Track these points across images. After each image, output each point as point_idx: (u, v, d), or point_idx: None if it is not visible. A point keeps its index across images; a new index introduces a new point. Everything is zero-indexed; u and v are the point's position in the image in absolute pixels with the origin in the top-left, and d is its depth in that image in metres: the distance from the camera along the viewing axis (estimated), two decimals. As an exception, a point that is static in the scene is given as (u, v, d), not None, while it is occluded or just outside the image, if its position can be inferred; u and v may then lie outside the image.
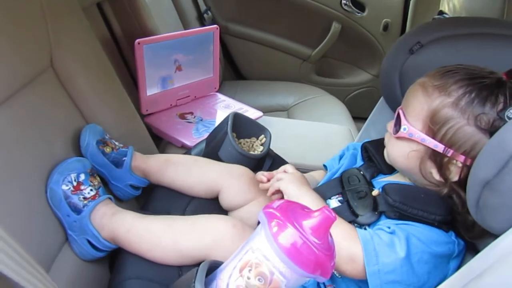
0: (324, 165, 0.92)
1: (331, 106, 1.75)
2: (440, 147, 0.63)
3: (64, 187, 0.70)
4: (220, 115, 1.22)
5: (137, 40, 1.05)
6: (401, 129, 0.66)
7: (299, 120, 1.50)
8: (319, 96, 1.81)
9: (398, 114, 0.68)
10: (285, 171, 0.78)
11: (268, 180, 0.78)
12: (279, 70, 1.97)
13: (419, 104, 0.65)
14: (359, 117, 1.90)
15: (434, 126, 0.63)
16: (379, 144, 0.79)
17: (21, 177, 0.68)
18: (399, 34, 1.84)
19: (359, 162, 0.83)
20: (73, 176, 0.71)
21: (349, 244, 0.62)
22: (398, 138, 0.68)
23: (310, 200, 0.70)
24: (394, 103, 0.88)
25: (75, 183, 0.71)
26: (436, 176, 0.65)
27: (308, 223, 0.47)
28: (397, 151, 0.70)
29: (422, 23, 0.87)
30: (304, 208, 0.50)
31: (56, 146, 0.77)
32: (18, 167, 0.68)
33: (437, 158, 0.64)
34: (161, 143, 1.15)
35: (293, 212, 0.49)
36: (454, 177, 0.64)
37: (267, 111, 1.71)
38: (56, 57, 0.81)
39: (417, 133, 0.65)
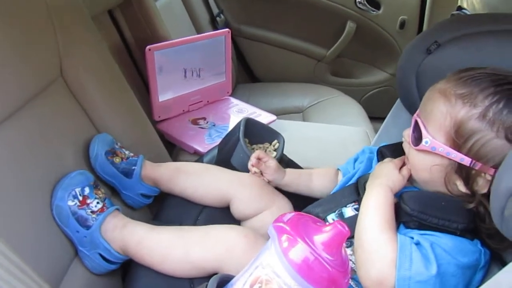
0: (339, 169, 0.89)
1: (347, 107, 1.72)
2: (466, 161, 0.58)
3: (70, 203, 0.69)
4: (233, 120, 1.21)
5: (148, 47, 1.05)
6: (423, 142, 0.62)
7: (314, 123, 1.48)
8: (334, 97, 1.77)
9: (417, 124, 0.64)
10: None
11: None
12: (293, 72, 1.94)
13: (441, 115, 0.60)
14: (375, 117, 1.86)
15: (459, 139, 0.59)
16: (395, 149, 0.75)
17: (30, 191, 0.67)
18: (416, 32, 1.79)
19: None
20: (77, 190, 0.70)
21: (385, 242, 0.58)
22: (419, 150, 0.64)
23: None
24: (411, 105, 0.84)
25: (80, 198, 0.70)
26: (462, 188, 0.61)
27: (320, 238, 0.45)
28: (418, 164, 0.65)
29: (439, 21, 0.83)
30: (316, 222, 0.48)
31: (66, 157, 0.76)
32: (27, 181, 0.67)
33: (463, 171, 0.60)
34: (174, 149, 1.14)
35: (304, 226, 0.47)
36: (483, 189, 0.59)
37: (282, 113, 1.69)
38: (65, 67, 0.81)
39: (441, 146, 0.60)
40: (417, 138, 0.65)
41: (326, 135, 1.26)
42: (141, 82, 1.23)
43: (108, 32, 1.14)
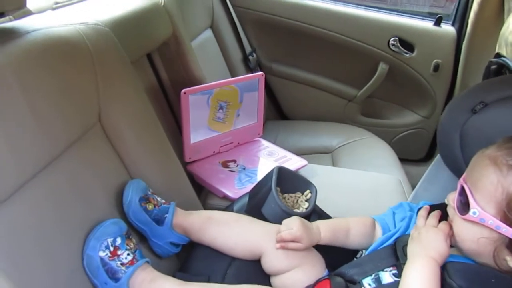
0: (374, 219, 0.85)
1: (377, 149, 1.69)
2: None
3: (102, 254, 0.68)
4: (263, 163, 1.19)
5: (183, 90, 1.06)
6: (470, 212, 0.59)
7: (345, 169, 1.44)
8: (364, 138, 1.74)
9: (463, 190, 0.61)
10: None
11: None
12: (323, 111, 1.93)
13: (491, 185, 0.57)
14: (406, 159, 1.82)
15: (511, 213, 0.55)
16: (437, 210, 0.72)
17: (64, 237, 0.67)
18: (451, 76, 1.75)
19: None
20: (109, 241, 0.69)
21: None
22: (465, 220, 0.61)
23: None
24: (453, 164, 0.81)
25: (112, 248, 0.69)
26: None
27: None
28: (464, 234, 0.62)
29: (485, 80, 0.80)
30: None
31: (99, 202, 0.76)
32: (63, 226, 0.68)
33: None
34: (203, 191, 1.13)
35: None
36: None
37: (310, 152, 1.68)
38: (104, 112, 0.82)
39: (491, 219, 0.57)
40: (464, 205, 0.61)
41: (358, 183, 1.23)
42: (173, 122, 1.24)
43: (145, 73, 1.16)
